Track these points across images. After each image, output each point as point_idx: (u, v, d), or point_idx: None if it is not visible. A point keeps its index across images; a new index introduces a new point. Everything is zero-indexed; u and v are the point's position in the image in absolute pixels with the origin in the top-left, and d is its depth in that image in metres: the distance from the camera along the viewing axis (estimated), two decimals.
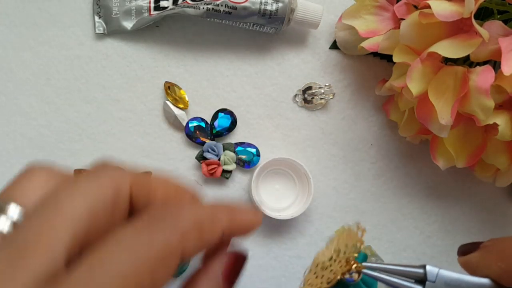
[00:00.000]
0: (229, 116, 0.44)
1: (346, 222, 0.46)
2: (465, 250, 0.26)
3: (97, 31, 0.44)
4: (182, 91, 0.44)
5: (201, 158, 0.44)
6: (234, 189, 0.45)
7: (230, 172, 0.44)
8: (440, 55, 0.34)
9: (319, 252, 0.24)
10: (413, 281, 0.23)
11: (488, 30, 0.33)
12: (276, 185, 0.45)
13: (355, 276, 0.23)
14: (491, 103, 0.32)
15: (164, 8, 0.42)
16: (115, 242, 0.15)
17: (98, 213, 0.16)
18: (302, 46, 0.46)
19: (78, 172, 0.41)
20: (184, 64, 0.45)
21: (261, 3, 0.41)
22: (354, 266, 0.23)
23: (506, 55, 0.32)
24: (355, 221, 0.25)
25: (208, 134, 0.44)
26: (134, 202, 0.18)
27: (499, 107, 0.35)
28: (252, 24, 0.42)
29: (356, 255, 0.24)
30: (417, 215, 0.47)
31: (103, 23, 0.44)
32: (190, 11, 0.41)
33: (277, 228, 0.46)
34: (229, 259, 0.20)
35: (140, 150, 0.44)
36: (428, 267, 0.23)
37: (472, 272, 0.24)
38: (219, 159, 0.44)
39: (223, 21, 0.42)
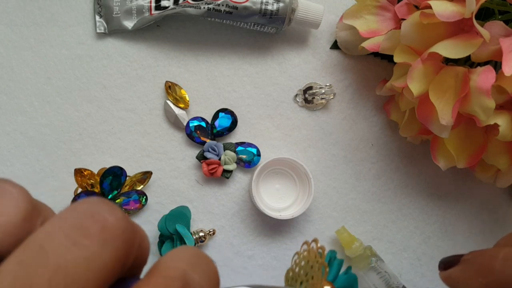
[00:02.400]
0: (229, 115, 0.44)
1: (346, 222, 0.46)
2: (446, 264, 0.25)
3: (98, 31, 0.44)
4: (182, 91, 0.44)
5: (201, 157, 0.44)
6: (235, 188, 0.45)
7: (230, 172, 0.44)
8: (441, 55, 0.34)
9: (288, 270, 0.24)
10: None
11: (489, 30, 0.33)
12: (276, 185, 0.45)
13: None
14: (492, 103, 0.32)
15: (165, 7, 0.42)
16: None
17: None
18: (303, 46, 0.46)
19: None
20: (185, 63, 0.45)
21: (262, 3, 0.41)
22: None
23: (507, 56, 0.32)
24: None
25: (209, 134, 0.44)
26: None
27: (500, 107, 0.35)
28: (253, 24, 0.42)
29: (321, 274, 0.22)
30: (417, 215, 0.47)
31: (104, 22, 0.44)
32: (191, 10, 0.41)
33: (277, 228, 0.46)
34: None
35: (141, 149, 0.44)
36: None
37: None
38: (219, 159, 0.44)
39: (224, 21, 0.42)
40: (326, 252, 0.23)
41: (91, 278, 0.14)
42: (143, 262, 0.17)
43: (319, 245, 0.23)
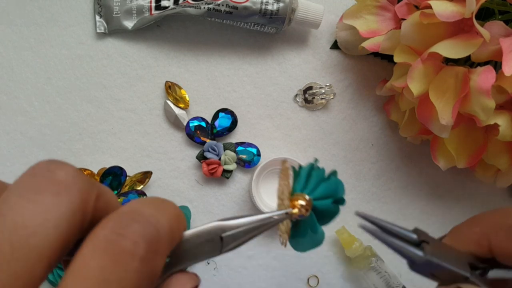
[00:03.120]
0: (229, 115, 0.44)
1: (347, 222, 0.46)
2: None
3: (98, 31, 0.44)
4: (183, 91, 0.44)
5: (201, 157, 0.44)
6: (235, 188, 0.45)
7: (230, 172, 0.44)
8: (441, 55, 0.34)
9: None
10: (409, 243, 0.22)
11: (489, 30, 0.33)
12: (276, 185, 0.45)
13: (303, 211, 0.21)
14: (492, 103, 0.32)
15: (165, 7, 0.42)
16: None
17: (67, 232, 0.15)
18: (303, 46, 0.46)
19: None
20: (185, 63, 0.45)
21: (262, 3, 0.41)
22: (298, 202, 0.21)
23: (507, 56, 0.32)
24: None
25: (209, 134, 0.44)
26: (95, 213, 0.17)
27: (500, 107, 0.35)
28: (253, 24, 0.42)
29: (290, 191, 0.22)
30: (417, 215, 0.47)
31: (104, 22, 0.44)
32: (191, 10, 0.41)
33: (277, 227, 0.46)
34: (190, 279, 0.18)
35: (141, 149, 0.44)
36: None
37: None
38: (219, 159, 0.44)
39: (224, 20, 0.42)
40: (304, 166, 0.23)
41: (51, 228, 0.14)
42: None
43: (287, 165, 0.23)
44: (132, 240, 0.15)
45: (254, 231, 0.19)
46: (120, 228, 0.15)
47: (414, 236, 0.23)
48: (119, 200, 0.43)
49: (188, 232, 0.19)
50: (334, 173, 0.23)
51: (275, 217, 0.20)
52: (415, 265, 0.22)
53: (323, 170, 0.23)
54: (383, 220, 0.22)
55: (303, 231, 0.23)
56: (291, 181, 0.23)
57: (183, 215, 0.18)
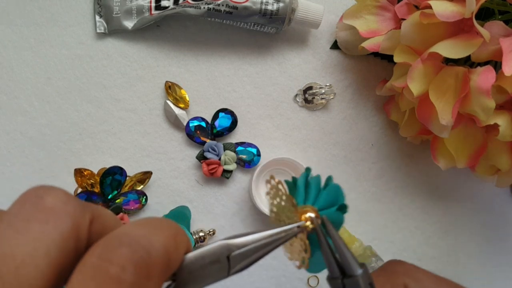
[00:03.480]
0: (229, 116, 0.44)
1: (346, 222, 0.46)
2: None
3: (98, 31, 0.44)
4: (182, 91, 0.44)
5: (201, 157, 0.44)
6: (235, 188, 0.45)
7: (230, 172, 0.44)
8: (441, 55, 0.34)
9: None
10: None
11: (489, 30, 0.33)
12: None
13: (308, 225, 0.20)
14: (492, 103, 0.32)
15: (165, 7, 0.42)
16: None
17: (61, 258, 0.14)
18: (303, 46, 0.46)
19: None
20: (185, 63, 0.45)
21: (262, 3, 0.41)
22: (307, 215, 0.20)
23: (507, 56, 0.32)
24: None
25: (209, 134, 0.44)
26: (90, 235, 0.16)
27: (500, 107, 0.35)
28: (253, 24, 0.42)
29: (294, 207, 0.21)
30: (417, 215, 0.47)
31: (104, 22, 0.44)
32: (191, 10, 0.41)
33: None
34: None
35: (141, 149, 0.44)
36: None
37: None
38: (219, 159, 0.44)
39: (224, 21, 0.42)
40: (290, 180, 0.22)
41: (41, 257, 0.14)
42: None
43: (276, 180, 0.22)
44: (119, 265, 0.14)
45: (264, 249, 0.18)
46: (107, 252, 0.14)
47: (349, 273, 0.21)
48: (118, 200, 0.43)
49: (191, 254, 0.17)
50: (330, 179, 0.22)
51: (285, 233, 0.19)
52: (332, 280, 0.21)
53: (318, 177, 0.22)
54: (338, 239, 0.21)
55: (316, 246, 0.21)
56: (284, 196, 0.21)
57: (184, 235, 0.17)
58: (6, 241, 0.14)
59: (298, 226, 0.20)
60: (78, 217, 0.15)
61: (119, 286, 0.13)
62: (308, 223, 0.20)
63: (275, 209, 0.21)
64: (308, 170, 0.22)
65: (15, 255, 0.13)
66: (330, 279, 0.21)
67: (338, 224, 0.22)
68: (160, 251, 0.15)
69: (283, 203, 0.21)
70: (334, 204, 0.22)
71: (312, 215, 0.20)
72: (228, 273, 0.17)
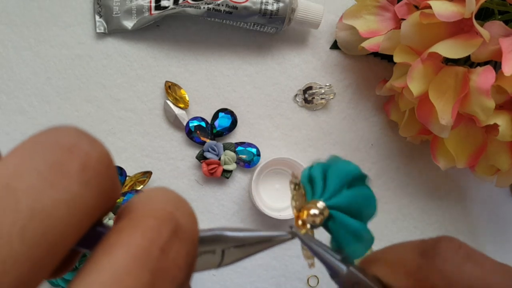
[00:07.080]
0: (229, 115, 0.44)
1: None
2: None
3: (97, 31, 0.44)
4: (182, 91, 0.44)
5: (201, 157, 0.44)
6: (234, 188, 0.45)
7: (230, 171, 0.44)
8: (440, 55, 0.34)
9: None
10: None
11: (489, 30, 0.33)
12: (276, 185, 0.45)
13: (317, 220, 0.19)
14: (491, 103, 0.32)
15: (165, 7, 0.42)
16: None
17: None
18: (303, 46, 0.46)
19: None
20: (185, 63, 0.45)
21: (261, 3, 0.41)
22: (308, 212, 0.19)
23: (506, 56, 0.32)
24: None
25: (209, 134, 0.44)
26: None
27: (500, 107, 0.35)
28: (252, 24, 0.42)
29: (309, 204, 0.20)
30: (417, 215, 0.47)
31: (103, 22, 0.44)
32: (191, 10, 0.41)
33: (277, 228, 0.46)
34: None
35: (141, 149, 0.44)
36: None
37: None
38: (219, 159, 0.44)
39: (224, 20, 0.42)
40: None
41: (73, 224, 0.12)
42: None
43: (294, 175, 0.20)
44: (177, 265, 0.12)
45: (256, 249, 0.18)
46: (161, 241, 0.12)
47: (338, 257, 0.20)
48: (118, 200, 0.43)
49: None
50: (363, 178, 0.19)
51: (278, 238, 0.18)
52: (337, 277, 0.20)
53: (347, 166, 0.19)
54: (317, 242, 0.20)
55: (342, 234, 0.20)
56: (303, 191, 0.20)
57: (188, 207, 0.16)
58: (35, 193, 0.11)
59: (291, 231, 0.19)
60: (115, 180, 0.14)
61: (170, 285, 0.12)
62: (303, 230, 0.20)
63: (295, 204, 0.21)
64: (335, 158, 0.20)
65: (45, 214, 0.11)
66: (331, 277, 0.21)
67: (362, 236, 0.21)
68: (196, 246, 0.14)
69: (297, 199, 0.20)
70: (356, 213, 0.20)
71: (315, 212, 0.19)
72: (219, 265, 0.17)
